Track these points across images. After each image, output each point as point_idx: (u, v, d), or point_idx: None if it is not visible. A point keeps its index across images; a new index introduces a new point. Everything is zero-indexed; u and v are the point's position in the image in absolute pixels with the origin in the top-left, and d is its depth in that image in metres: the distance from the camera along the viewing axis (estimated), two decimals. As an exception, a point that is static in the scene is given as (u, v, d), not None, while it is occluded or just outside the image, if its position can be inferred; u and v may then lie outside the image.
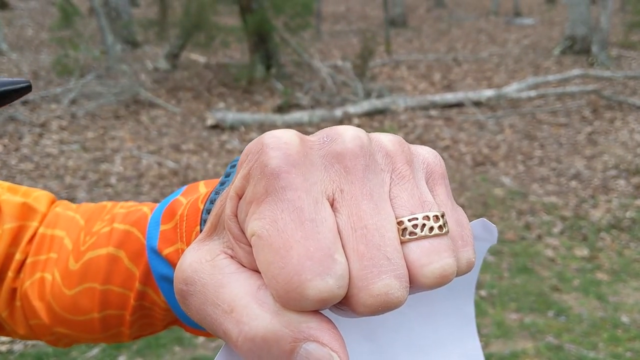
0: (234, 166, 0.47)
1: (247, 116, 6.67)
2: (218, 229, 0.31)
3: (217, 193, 0.47)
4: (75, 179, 5.18)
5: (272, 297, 0.27)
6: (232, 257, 0.30)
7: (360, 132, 0.30)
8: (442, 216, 0.30)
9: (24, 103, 7.17)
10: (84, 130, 6.46)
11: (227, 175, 0.48)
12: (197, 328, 0.57)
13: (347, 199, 0.28)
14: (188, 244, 0.50)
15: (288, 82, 8.28)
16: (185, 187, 0.58)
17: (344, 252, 0.27)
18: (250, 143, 0.30)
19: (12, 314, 0.64)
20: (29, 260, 0.63)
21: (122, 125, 6.67)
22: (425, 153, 0.33)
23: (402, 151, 0.31)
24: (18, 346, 2.97)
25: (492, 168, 5.35)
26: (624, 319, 3.16)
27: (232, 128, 6.48)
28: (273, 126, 6.53)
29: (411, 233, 0.28)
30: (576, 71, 8.04)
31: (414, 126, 6.47)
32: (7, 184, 0.67)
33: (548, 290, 3.45)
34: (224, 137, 6.27)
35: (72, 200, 4.71)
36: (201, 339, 3.02)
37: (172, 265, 0.52)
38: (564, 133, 6.18)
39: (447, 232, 0.29)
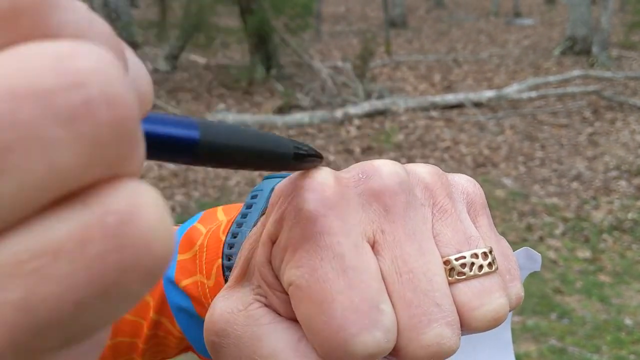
0: (255, 196, 0.45)
1: (247, 117, 6.66)
2: (248, 275, 0.30)
3: (239, 225, 0.45)
4: (75, 180, 5.17)
5: (314, 351, 0.25)
6: (266, 305, 0.28)
7: (398, 166, 0.28)
8: (491, 252, 0.28)
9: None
10: (83, 131, 6.45)
11: (249, 207, 0.45)
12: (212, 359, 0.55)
13: (389, 241, 0.26)
14: (208, 277, 0.48)
15: (288, 83, 8.28)
16: (202, 213, 0.55)
17: (390, 299, 0.25)
18: (281, 183, 0.28)
19: None
20: None
21: (122, 126, 6.66)
22: (464, 182, 0.31)
23: (442, 183, 0.29)
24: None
25: (493, 169, 5.33)
26: (627, 321, 3.15)
27: (233, 129, 6.46)
28: (273, 127, 6.52)
29: (459, 273, 0.27)
30: (577, 72, 8.03)
31: (415, 127, 6.46)
32: None
33: (550, 293, 3.44)
34: (224, 138, 6.25)
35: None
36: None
37: (190, 297, 0.50)
38: (564, 134, 6.17)
39: (497, 269, 0.28)
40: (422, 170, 0.30)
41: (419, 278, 0.26)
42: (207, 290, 0.48)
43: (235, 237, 0.44)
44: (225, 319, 0.28)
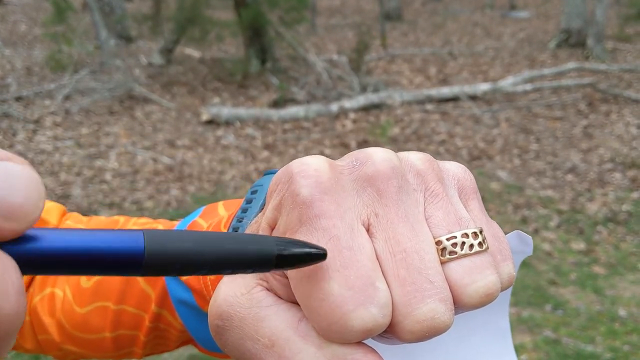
0: (254, 192, 0.46)
1: (242, 111, 6.65)
2: None
3: (239, 220, 0.46)
4: (70, 175, 5.16)
5: (314, 330, 0.26)
6: (267, 289, 0.29)
7: (390, 153, 0.29)
8: (481, 232, 0.29)
9: (18, 99, 7.13)
10: (78, 126, 6.43)
11: (249, 202, 0.46)
12: (213, 350, 0.56)
13: (382, 223, 0.27)
14: None
15: (283, 76, 8.26)
16: (203, 208, 0.56)
17: (385, 278, 0.26)
18: (279, 172, 0.29)
19: (20, 328, 0.61)
20: (38, 275, 0.61)
21: (116, 121, 6.64)
22: (454, 168, 0.32)
23: (433, 169, 0.30)
24: (13, 344, 2.95)
25: (488, 162, 5.34)
26: (621, 312, 3.16)
27: (228, 123, 6.45)
28: (269, 121, 6.51)
29: (451, 252, 0.28)
30: (572, 64, 8.04)
31: (410, 121, 6.45)
32: None
33: (545, 284, 3.45)
34: (219, 132, 6.25)
35: (67, 197, 4.69)
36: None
37: (192, 289, 0.51)
38: (559, 126, 6.18)
39: (487, 248, 0.29)
40: (414, 157, 0.31)
41: (412, 257, 0.26)
42: (209, 282, 0.49)
43: (236, 231, 0.45)
44: (229, 302, 0.29)
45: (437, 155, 5.45)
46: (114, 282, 0.56)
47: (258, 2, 8.15)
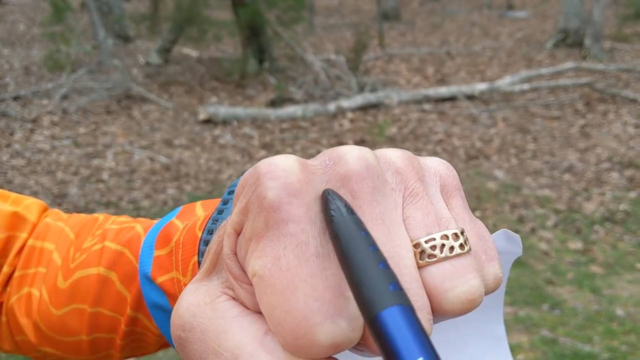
0: (231, 192, 0.44)
1: (240, 110, 6.64)
2: (217, 267, 0.29)
3: (215, 221, 0.44)
4: (67, 174, 5.15)
5: (280, 344, 0.25)
6: (233, 298, 0.27)
7: (366, 150, 0.28)
8: (462, 233, 0.27)
9: (15, 98, 7.12)
10: (75, 125, 6.42)
11: (225, 203, 0.44)
12: None
13: None
14: (184, 274, 0.47)
15: (281, 76, 8.25)
16: (180, 208, 0.54)
17: None
18: (246, 173, 0.28)
19: None
20: (16, 274, 0.59)
21: (114, 120, 6.63)
22: (436, 165, 0.31)
23: (413, 166, 0.29)
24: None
25: (486, 162, 5.34)
26: (619, 312, 3.16)
27: (225, 123, 6.45)
28: (266, 120, 6.50)
29: (430, 255, 0.26)
30: (569, 64, 8.04)
31: (408, 120, 6.45)
32: None
33: (542, 284, 3.45)
34: (217, 131, 6.24)
35: (64, 196, 4.69)
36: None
37: (166, 293, 0.49)
38: (557, 126, 6.18)
39: (469, 249, 0.27)
40: (393, 155, 0.29)
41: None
42: (183, 287, 0.46)
43: (210, 234, 0.43)
44: (192, 312, 0.27)
45: (434, 154, 5.45)
46: (91, 283, 0.54)
47: (256, 2, 8.15)
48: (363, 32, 8.30)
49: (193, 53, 9.73)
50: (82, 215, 0.65)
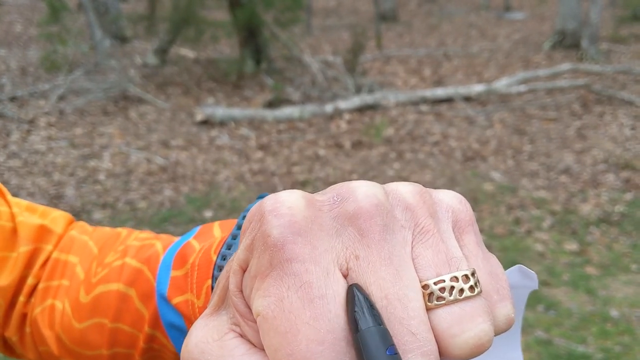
0: (245, 217, 0.44)
1: (237, 111, 6.64)
2: (226, 302, 0.29)
3: (229, 247, 0.44)
4: (64, 175, 5.14)
5: None
6: (240, 335, 0.27)
7: (375, 187, 0.27)
8: (473, 274, 0.27)
9: (12, 99, 7.11)
10: (72, 126, 6.42)
11: (240, 227, 0.44)
12: None
13: (363, 267, 0.25)
14: (198, 297, 0.47)
15: (278, 77, 8.26)
16: (199, 228, 0.54)
17: None
18: (252, 209, 0.27)
19: (22, 339, 0.62)
20: (40, 286, 0.61)
21: (110, 121, 6.63)
22: (449, 200, 0.30)
23: (424, 202, 0.28)
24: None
25: (482, 163, 5.35)
26: (614, 313, 3.17)
27: (222, 123, 6.45)
28: (263, 121, 6.51)
29: (439, 298, 0.25)
30: (566, 65, 8.06)
31: (405, 121, 6.46)
32: (25, 202, 0.65)
33: (538, 285, 3.45)
34: (214, 132, 6.24)
35: (61, 197, 4.68)
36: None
37: (182, 314, 0.49)
38: (553, 128, 6.19)
39: (480, 291, 0.26)
40: (404, 190, 0.29)
41: (394, 305, 0.25)
42: (197, 310, 0.47)
43: (224, 260, 0.44)
44: (200, 349, 0.27)
45: (430, 156, 5.46)
46: (111, 298, 0.55)
47: (253, 3, 8.15)
48: (360, 33, 8.31)
49: (190, 54, 9.73)
50: (107, 229, 0.66)
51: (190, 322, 0.49)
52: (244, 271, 0.27)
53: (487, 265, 0.29)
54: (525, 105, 6.88)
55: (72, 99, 7.23)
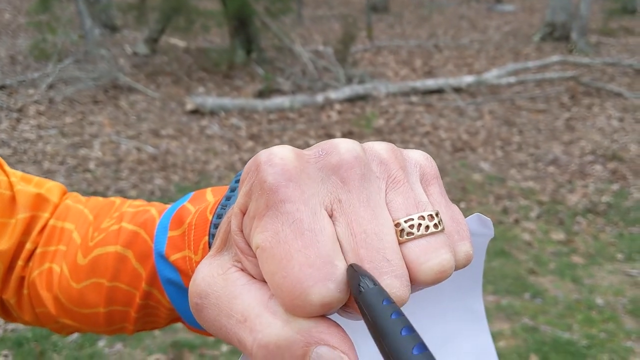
0: (237, 181, 0.49)
1: (227, 101, 6.64)
2: (227, 244, 0.33)
3: (223, 207, 0.49)
4: (54, 164, 5.13)
5: (282, 306, 0.28)
6: (241, 270, 0.31)
7: (355, 143, 0.32)
8: (437, 215, 0.31)
9: (1, 88, 7.07)
10: (62, 115, 6.39)
11: (233, 190, 0.49)
12: (199, 328, 0.59)
13: (345, 208, 0.29)
14: (196, 253, 0.52)
15: (269, 67, 8.25)
16: (192, 194, 0.59)
17: (345, 258, 0.28)
18: (249, 161, 0.31)
19: (19, 301, 0.65)
20: (38, 251, 0.64)
21: (100, 110, 6.61)
22: (417, 156, 0.35)
23: (396, 157, 0.33)
24: (-5, 331, 2.96)
25: (471, 154, 5.38)
26: (599, 301, 3.22)
27: (212, 113, 6.44)
28: (254, 111, 6.51)
29: (408, 234, 0.30)
30: (555, 58, 8.10)
31: (395, 112, 6.48)
32: (20, 173, 0.68)
33: (525, 273, 3.50)
34: (204, 122, 6.24)
35: (50, 185, 4.67)
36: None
37: (179, 270, 0.54)
38: (542, 119, 6.24)
39: (443, 229, 0.31)
40: (378, 147, 0.33)
41: (372, 237, 0.29)
42: (194, 264, 0.52)
43: (220, 218, 0.49)
44: (207, 282, 0.31)
45: (420, 146, 5.49)
46: (109, 259, 0.59)
47: (244, -8, 8.12)
48: (351, 23, 8.31)
49: (180, 43, 9.69)
50: (100, 198, 0.71)
51: (187, 276, 0.53)
52: (244, 214, 0.31)
53: (449, 211, 0.33)
54: (514, 96, 6.92)
55: (61, 87, 7.19)
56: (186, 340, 2.89)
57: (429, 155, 0.35)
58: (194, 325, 0.58)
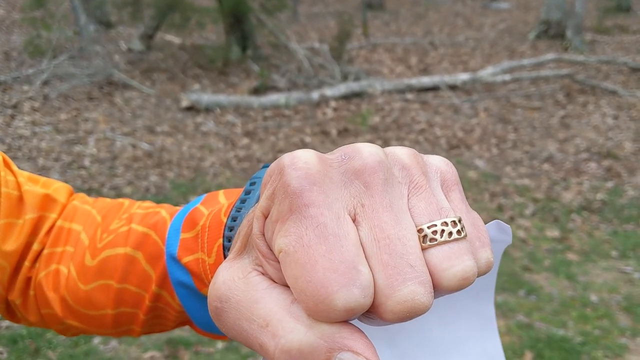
0: (253, 183, 0.49)
1: (222, 98, 6.63)
2: (247, 247, 0.33)
3: (238, 210, 0.49)
4: (48, 160, 5.12)
5: (304, 311, 0.28)
6: (262, 274, 0.31)
7: (377, 148, 0.31)
8: (460, 221, 0.31)
9: (-5, 84, 7.04)
10: (56, 111, 6.37)
11: (247, 193, 0.49)
12: (209, 331, 0.59)
13: (368, 212, 0.29)
14: (209, 255, 0.52)
15: (264, 64, 8.24)
16: (204, 196, 0.59)
17: (369, 263, 0.28)
18: (272, 165, 0.31)
19: (25, 302, 0.65)
20: (45, 252, 0.64)
21: (95, 106, 6.59)
22: (437, 162, 0.34)
23: (417, 163, 0.32)
24: (-10, 328, 2.95)
25: (467, 151, 5.39)
26: (593, 298, 3.23)
27: (208, 110, 6.43)
28: (249, 108, 6.50)
29: (431, 239, 0.29)
30: (550, 55, 8.12)
31: (391, 110, 6.49)
32: (26, 173, 0.68)
33: (519, 271, 3.51)
34: (199, 119, 6.23)
35: (45, 182, 4.65)
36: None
37: (191, 272, 0.54)
38: (537, 117, 6.25)
39: (465, 235, 0.31)
40: (400, 152, 0.33)
41: (395, 243, 0.28)
42: (208, 267, 0.52)
43: (235, 221, 0.49)
44: (227, 286, 0.31)
45: (416, 144, 5.50)
46: (118, 261, 0.59)
47: (239, -11, 8.10)
48: (347, 21, 8.30)
49: (176, 40, 9.67)
50: (108, 199, 0.70)
51: (199, 279, 0.53)
52: (266, 217, 0.31)
53: (470, 218, 0.33)
54: (509, 94, 6.93)
55: (56, 84, 7.17)
56: (181, 338, 2.89)
57: (449, 161, 0.35)
58: (203, 328, 0.58)
